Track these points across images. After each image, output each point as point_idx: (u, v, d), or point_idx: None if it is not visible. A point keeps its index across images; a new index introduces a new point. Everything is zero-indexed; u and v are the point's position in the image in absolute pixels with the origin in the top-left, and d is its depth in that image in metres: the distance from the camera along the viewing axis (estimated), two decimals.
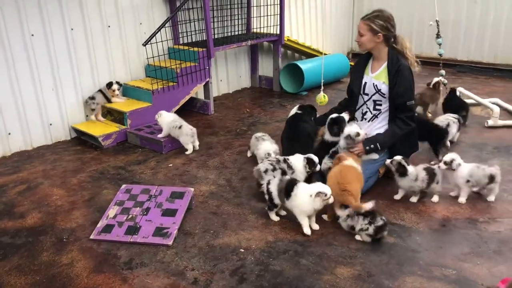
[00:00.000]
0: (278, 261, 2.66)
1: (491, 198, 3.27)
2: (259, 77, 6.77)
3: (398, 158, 3.21)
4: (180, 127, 4.22)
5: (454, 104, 4.94)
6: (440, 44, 5.82)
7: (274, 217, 3.09)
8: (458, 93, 5.11)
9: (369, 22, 3.30)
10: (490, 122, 4.91)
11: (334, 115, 3.47)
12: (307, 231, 2.89)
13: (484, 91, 6.21)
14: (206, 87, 5.43)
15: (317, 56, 7.09)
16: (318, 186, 2.86)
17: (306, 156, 3.35)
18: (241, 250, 2.78)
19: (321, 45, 7.72)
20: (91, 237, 2.93)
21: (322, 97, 4.46)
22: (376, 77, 3.42)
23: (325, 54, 7.26)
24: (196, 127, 4.94)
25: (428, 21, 5.75)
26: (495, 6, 7.17)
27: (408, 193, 3.32)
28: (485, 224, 2.98)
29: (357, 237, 2.85)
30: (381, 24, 3.28)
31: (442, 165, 3.23)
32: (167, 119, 4.30)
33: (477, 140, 4.54)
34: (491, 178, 3.20)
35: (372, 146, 3.34)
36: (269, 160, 3.41)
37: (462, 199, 3.26)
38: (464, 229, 2.94)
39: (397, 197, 3.34)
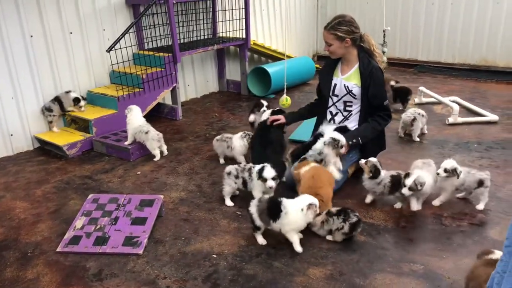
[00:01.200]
0: (251, 265, 2.66)
1: (481, 206, 3.19)
2: (227, 81, 6.77)
3: (373, 160, 3.21)
4: (147, 132, 4.15)
5: (401, 91, 5.55)
6: (384, 52, 6.09)
7: (260, 239, 2.87)
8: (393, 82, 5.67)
9: (333, 31, 3.33)
10: (451, 120, 5.11)
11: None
12: (299, 249, 2.75)
13: (444, 90, 6.46)
14: (173, 93, 5.38)
15: (283, 59, 7.15)
16: (305, 198, 2.76)
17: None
18: (213, 255, 2.76)
19: (288, 48, 7.80)
20: (58, 249, 2.83)
21: (284, 100, 4.51)
22: (347, 79, 3.48)
23: (289, 57, 7.37)
24: (164, 133, 4.90)
25: (386, 25, 5.93)
26: (451, 8, 7.48)
27: (373, 196, 3.32)
28: (449, 219, 3.09)
29: (329, 237, 2.86)
30: (345, 29, 3.33)
31: (441, 172, 3.15)
32: (135, 124, 4.21)
33: (439, 137, 4.71)
34: (480, 183, 3.17)
35: (354, 140, 3.38)
36: (239, 166, 3.40)
37: (437, 202, 3.25)
38: (430, 225, 3.04)
39: (367, 200, 3.33)
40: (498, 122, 5.07)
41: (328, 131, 3.39)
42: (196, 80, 6.43)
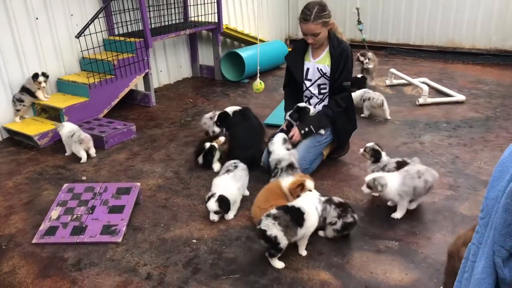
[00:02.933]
0: (231, 248, 2.70)
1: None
2: (200, 66, 6.70)
3: (370, 144, 3.22)
4: (72, 136, 3.91)
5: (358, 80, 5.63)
6: (361, 30, 6.16)
7: (279, 264, 2.50)
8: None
9: (319, 19, 3.25)
10: (421, 100, 5.25)
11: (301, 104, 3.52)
12: (304, 252, 2.61)
13: (413, 71, 6.61)
14: (146, 79, 5.30)
15: (256, 43, 7.13)
16: (311, 196, 2.64)
17: None
18: (193, 241, 2.78)
19: (260, 32, 7.77)
20: (34, 241, 2.79)
21: (258, 84, 4.48)
22: (320, 62, 3.49)
23: (261, 41, 7.35)
24: (138, 120, 4.87)
25: (352, 7, 6.02)
26: None
27: None
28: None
29: (320, 233, 2.73)
30: (327, 14, 3.30)
31: (364, 189, 2.93)
32: (64, 133, 3.96)
33: (410, 117, 4.84)
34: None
35: (306, 129, 3.44)
36: None
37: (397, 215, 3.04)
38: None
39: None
40: (465, 102, 5.24)
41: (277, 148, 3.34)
42: (168, 65, 6.33)
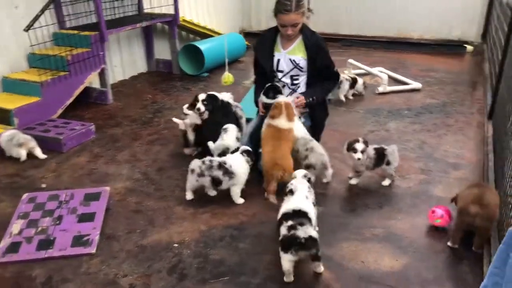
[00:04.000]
0: (216, 249, 2.58)
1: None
2: (156, 60, 6.42)
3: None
4: (11, 139, 3.64)
5: None
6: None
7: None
8: None
9: (299, 9, 3.20)
10: (380, 89, 5.37)
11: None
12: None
13: (368, 61, 6.72)
14: (102, 75, 4.96)
15: (212, 36, 6.96)
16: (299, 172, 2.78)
17: (242, 149, 3.10)
18: (174, 245, 2.64)
19: (214, 25, 7.58)
20: None
21: (227, 77, 4.39)
22: (291, 53, 3.41)
23: (218, 33, 7.19)
24: (95, 119, 4.58)
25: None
26: None
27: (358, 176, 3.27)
28: (398, 181, 3.27)
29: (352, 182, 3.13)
30: (303, 2, 3.25)
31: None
32: (3, 139, 3.68)
33: (373, 106, 4.94)
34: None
35: (311, 99, 3.37)
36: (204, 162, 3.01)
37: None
38: (381, 189, 3.19)
39: (353, 182, 3.27)
40: (421, 89, 5.43)
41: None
42: (123, 60, 5.99)
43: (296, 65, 3.41)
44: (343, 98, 5.06)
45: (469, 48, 7.36)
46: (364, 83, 5.31)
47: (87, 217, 2.78)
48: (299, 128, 3.24)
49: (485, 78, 5.44)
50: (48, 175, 3.49)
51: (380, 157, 3.13)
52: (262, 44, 3.56)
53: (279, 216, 2.39)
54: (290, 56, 3.43)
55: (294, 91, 3.51)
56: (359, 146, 3.02)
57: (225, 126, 3.43)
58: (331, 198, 3.09)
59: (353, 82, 5.17)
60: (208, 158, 3.03)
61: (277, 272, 2.35)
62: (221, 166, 2.95)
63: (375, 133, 4.18)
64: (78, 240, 2.62)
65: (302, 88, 3.51)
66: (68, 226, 2.71)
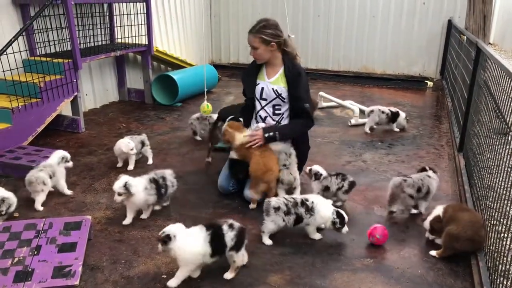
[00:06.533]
0: (206, 281, 2.50)
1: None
2: (128, 89, 6.35)
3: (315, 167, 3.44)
4: None
5: None
6: None
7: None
8: None
9: (259, 34, 3.30)
10: (353, 121, 5.56)
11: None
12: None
13: (336, 95, 6.95)
14: (74, 102, 4.84)
15: (184, 67, 7.01)
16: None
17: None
18: (163, 276, 2.53)
19: (185, 56, 7.65)
20: None
21: (205, 107, 4.40)
22: (274, 83, 3.48)
23: (190, 65, 7.25)
24: (67, 148, 4.44)
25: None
26: (334, 20, 8.20)
27: None
28: (380, 211, 3.34)
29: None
30: (270, 33, 3.33)
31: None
32: None
33: (346, 137, 5.09)
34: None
35: (271, 134, 3.32)
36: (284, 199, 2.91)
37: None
38: (366, 219, 3.20)
39: None
40: None
41: None
42: (94, 89, 5.89)
43: (278, 95, 3.47)
44: (368, 131, 5.26)
45: (430, 83, 7.83)
46: (406, 117, 5.39)
47: (68, 247, 2.63)
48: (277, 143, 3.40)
49: (449, 112, 5.77)
50: (21, 203, 3.28)
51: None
52: (249, 70, 3.65)
53: None
54: (273, 86, 3.49)
55: (278, 122, 3.56)
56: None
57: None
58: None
59: (394, 116, 5.27)
60: None
61: None
62: None
63: (353, 164, 4.28)
64: (60, 271, 2.45)
65: (285, 120, 3.57)
66: (48, 257, 2.55)
